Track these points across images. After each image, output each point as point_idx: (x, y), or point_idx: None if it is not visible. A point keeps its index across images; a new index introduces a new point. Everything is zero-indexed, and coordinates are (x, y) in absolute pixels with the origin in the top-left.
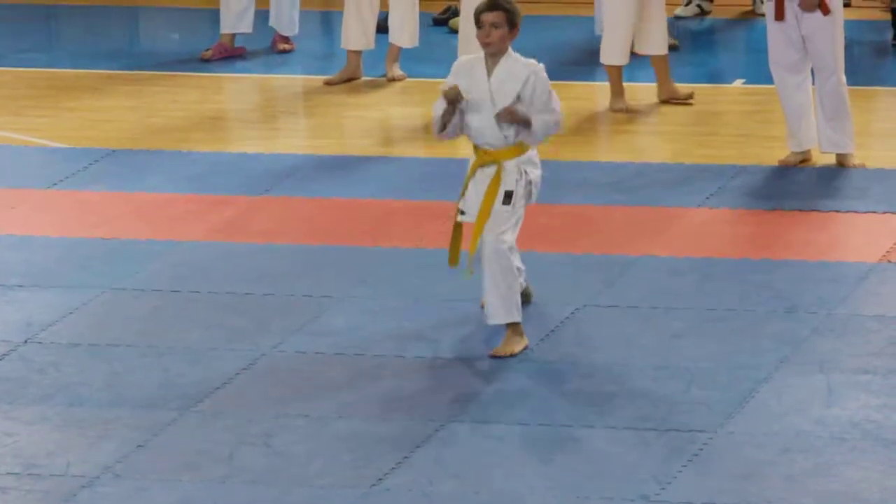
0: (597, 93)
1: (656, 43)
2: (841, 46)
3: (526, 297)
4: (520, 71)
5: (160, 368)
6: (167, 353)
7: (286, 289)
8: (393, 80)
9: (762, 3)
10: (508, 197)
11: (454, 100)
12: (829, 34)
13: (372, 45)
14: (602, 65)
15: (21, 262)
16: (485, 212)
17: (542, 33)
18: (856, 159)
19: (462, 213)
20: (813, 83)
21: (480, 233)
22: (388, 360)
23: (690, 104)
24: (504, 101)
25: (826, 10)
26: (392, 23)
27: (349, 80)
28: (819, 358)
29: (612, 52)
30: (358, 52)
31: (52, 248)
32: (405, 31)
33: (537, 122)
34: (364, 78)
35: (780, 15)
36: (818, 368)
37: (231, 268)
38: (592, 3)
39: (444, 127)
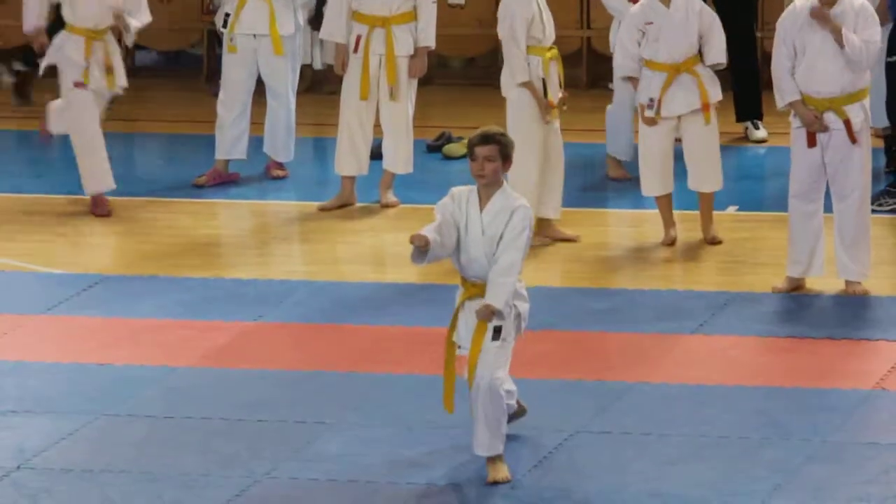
0: (592, 219)
1: (713, 180)
2: (869, 175)
3: (520, 413)
4: (509, 206)
5: (154, 494)
6: (161, 478)
7: (279, 415)
8: (387, 206)
9: (756, 129)
10: (497, 332)
11: (421, 247)
12: (857, 162)
13: (365, 171)
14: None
15: (14, 388)
16: (475, 347)
17: None
18: (862, 287)
19: (459, 346)
20: (828, 210)
21: (474, 370)
22: (382, 487)
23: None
24: (494, 235)
25: (853, 139)
26: (386, 149)
27: (343, 205)
28: (813, 485)
29: (648, 183)
30: (352, 178)
31: (45, 374)
32: (399, 157)
33: (503, 298)
34: (358, 204)
35: (812, 141)
36: (812, 496)
37: (224, 394)
38: (604, 130)
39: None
